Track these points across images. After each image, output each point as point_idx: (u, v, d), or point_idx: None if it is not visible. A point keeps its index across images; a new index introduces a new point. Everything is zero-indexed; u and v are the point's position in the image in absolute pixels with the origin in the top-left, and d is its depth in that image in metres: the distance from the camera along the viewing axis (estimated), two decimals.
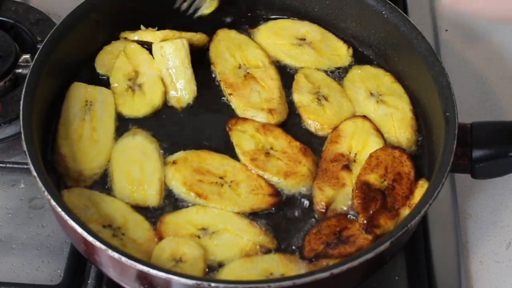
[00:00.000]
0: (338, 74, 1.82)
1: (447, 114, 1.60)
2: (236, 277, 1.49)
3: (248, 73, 1.79)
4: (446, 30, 2.15)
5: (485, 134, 1.63)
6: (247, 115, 1.73)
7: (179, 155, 1.66)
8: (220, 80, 1.78)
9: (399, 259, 1.71)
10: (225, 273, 1.50)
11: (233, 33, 1.86)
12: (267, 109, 1.73)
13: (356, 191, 1.60)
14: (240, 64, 1.80)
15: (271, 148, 1.67)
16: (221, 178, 1.63)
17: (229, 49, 1.82)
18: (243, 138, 1.69)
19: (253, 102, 1.74)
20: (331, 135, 1.70)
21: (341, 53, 1.85)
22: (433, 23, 2.12)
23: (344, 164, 1.65)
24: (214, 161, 1.65)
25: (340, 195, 1.62)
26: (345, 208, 1.60)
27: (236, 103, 1.74)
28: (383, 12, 1.78)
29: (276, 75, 1.79)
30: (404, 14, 1.77)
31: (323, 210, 1.60)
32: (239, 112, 1.74)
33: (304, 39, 1.85)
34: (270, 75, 1.79)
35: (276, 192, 1.62)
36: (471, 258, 1.76)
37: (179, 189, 1.61)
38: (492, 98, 2.02)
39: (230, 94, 1.75)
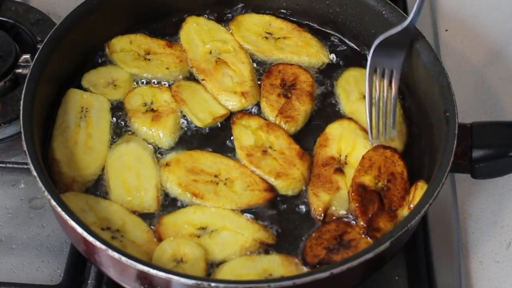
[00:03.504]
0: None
1: (447, 114, 1.60)
2: (235, 275, 1.49)
3: (219, 58, 1.80)
4: (446, 30, 2.15)
5: (485, 134, 1.63)
6: (220, 99, 1.74)
7: (171, 156, 1.66)
8: (192, 67, 1.79)
9: (399, 259, 1.71)
10: (225, 271, 1.50)
11: (202, 20, 1.87)
12: (240, 93, 1.74)
13: (353, 194, 1.59)
14: (211, 50, 1.81)
15: (270, 147, 1.67)
16: (215, 176, 1.63)
17: (199, 35, 1.84)
18: (244, 133, 1.69)
19: (225, 86, 1.76)
20: (319, 139, 1.70)
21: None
22: (433, 23, 2.12)
23: (336, 168, 1.64)
24: (207, 160, 1.65)
25: (337, 199, 1.61)
26: (343, 212, 1.60)
27: (209, 88, 1.76)
28: (383, 12, 1.78)
29: (247, 59, 1.81)
30: (404, 14, 1.77)
31: (321, 217, 1.59)
32: (214, 96, 1.75)
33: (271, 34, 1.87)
34: (240, 59, 1.80)
35: (271, 187, 1.62)
36: (471, 258, 1.76)
37: (175, 191, 1.61)
38: (492, 98, 2.02)
39: (203, 80, 1.77)
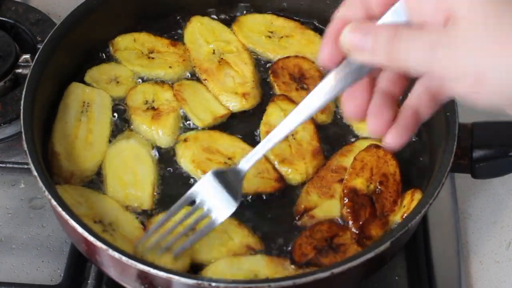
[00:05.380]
0: None
1: (448, 114, 1.60)
2: (220, 275, 1.49)
3: (222, 58, 1.81)
4: None
5: (485, 134, 1.63)
6: (221, 99, 1.75)
7: (191, 133, 1.68)
8: (194, 66, 1.80)
9: (399, 259, 1.71)
10: (211, 271, 1.49)
11: (206, 20, 1.88)
12: (241, 94, 1.75)
13: (345, 199, 1.58)
14: (214, 50, 1.82)
15: (292, 135, 1.67)
16: (229, 159, 1.64)
17: (202, 35, 1.84)
18: (277, 114, 1.69)
19: (227, 86, 1.76)
20: (342, 149, 1.69)
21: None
22: None
23: (342, 178, 1.63)
24: (224, 142, 1.67)
25: (323, 206, 1.60)
26: (322, 218, 1.58)
27: (211, 88, 1.77)
28: None
29: (250, 59, 1.81)
30: None
31: (299, 214, 1.59)
32: (215, 96, 1.76)
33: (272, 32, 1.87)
34: (243, 60, 1.81)
35: (281, 177, 1.63)
36: (471, 258, 1.76)
37: (187, 166, 1.63)
38: None
39: (205, 80, 1.78)
